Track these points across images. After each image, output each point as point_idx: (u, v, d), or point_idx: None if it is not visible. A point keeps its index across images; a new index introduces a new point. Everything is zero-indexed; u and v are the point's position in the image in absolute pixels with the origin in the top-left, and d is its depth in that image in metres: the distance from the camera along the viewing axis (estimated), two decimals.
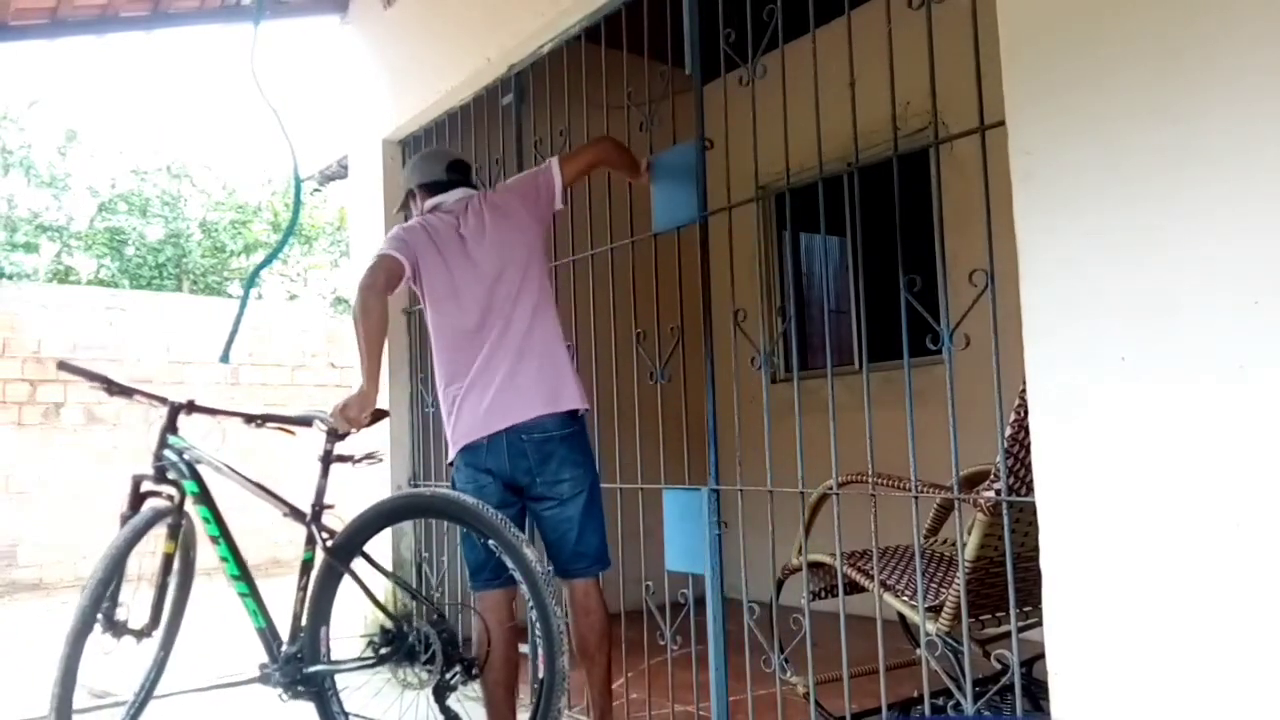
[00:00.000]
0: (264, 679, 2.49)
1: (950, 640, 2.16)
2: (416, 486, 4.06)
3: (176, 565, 2.72)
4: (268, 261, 9.71)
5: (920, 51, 2.09)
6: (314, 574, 2.48)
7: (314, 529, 2.49)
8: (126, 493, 2.69)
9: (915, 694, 2.55)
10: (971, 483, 2.41)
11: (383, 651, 2.37)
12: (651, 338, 2.80)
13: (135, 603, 2.65)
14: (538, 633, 2.26)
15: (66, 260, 12.57)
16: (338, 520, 2.50)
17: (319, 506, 2.52)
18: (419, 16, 4.06)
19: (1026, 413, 1.79)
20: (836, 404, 2.29)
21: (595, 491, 2.58)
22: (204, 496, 2.64)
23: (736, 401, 2.99)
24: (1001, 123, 1.84)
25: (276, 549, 7.53)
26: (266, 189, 14.08)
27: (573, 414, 2.56)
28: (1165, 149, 1.58)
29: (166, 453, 2.67)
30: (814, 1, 2.30)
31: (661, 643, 2.69)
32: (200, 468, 2.66)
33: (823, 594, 2.66)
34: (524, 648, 2.99)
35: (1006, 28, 1.82)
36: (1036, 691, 2.09)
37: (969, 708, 2.04)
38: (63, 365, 2.75)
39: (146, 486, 2.69)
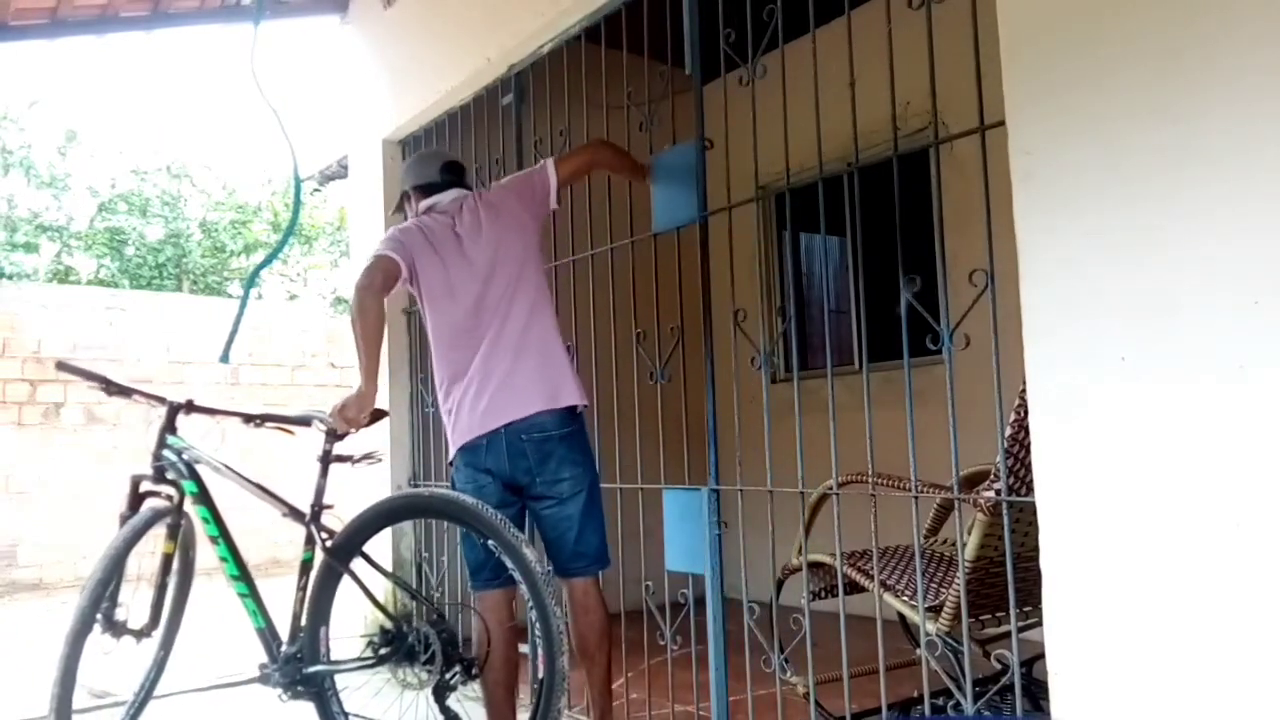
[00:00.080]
0: (263, 679, 2.49)
1: (950, 640, 2.16)
2: (416, 486, 4.06)
3: (176, 565, 2.72)
4: (268, 261, 9.71)
5: (920, 51, 2.09)
6: (313, 574, 2.48)
7: (313, 529, 2.49)
8: (126, 493, 2.69)
9: (915, 694, 2.55)
10: (971, 483, 2.41)
11: (382, 652, 2.37)
12: (651, 338, 2.80)
13: (135, 603, 2.65)
14: (537, 633, 2.26)
15: (66, 260, 12.57)
16: (337, 520, 2.50)
17: (318, 506, 2.52)
18: (419, 16, 4.06)
19: (1026, 413, 1.79)
20: (836, 404, 2.29)
21: (595, 491, 2.58)
22: (203, 496, 2.64)
23: (736, 401, 2.99)
24: (1001, 123, 1.83)
25: (276, 549, 7.53)
26: (266, 189, 14.09)
27: (572, 413, 2.56)
28: (1165, 149, 1.58)
29: (165, 453, 2.67)
30: (814, 1, 2.30)
31: (661, 643, 2.68)
32: (199, 468, 2.67)
33: (823, 594, 2.66)
34: (524, 648, 2.98)
35: (1006, 28, 1.81)
36: (1036, 691, 2.09)
37: (969, 708, 2.04)
38: (61, 365, 2.75)
39: (146, 486, 2.69)
